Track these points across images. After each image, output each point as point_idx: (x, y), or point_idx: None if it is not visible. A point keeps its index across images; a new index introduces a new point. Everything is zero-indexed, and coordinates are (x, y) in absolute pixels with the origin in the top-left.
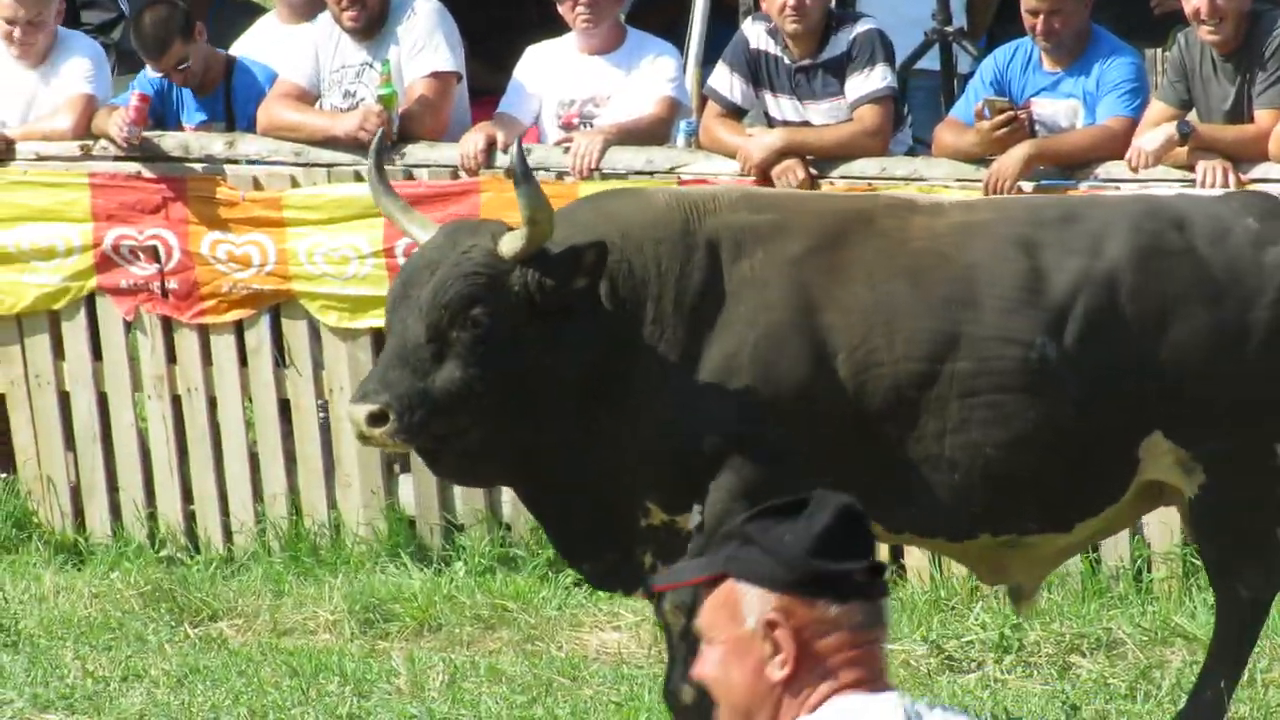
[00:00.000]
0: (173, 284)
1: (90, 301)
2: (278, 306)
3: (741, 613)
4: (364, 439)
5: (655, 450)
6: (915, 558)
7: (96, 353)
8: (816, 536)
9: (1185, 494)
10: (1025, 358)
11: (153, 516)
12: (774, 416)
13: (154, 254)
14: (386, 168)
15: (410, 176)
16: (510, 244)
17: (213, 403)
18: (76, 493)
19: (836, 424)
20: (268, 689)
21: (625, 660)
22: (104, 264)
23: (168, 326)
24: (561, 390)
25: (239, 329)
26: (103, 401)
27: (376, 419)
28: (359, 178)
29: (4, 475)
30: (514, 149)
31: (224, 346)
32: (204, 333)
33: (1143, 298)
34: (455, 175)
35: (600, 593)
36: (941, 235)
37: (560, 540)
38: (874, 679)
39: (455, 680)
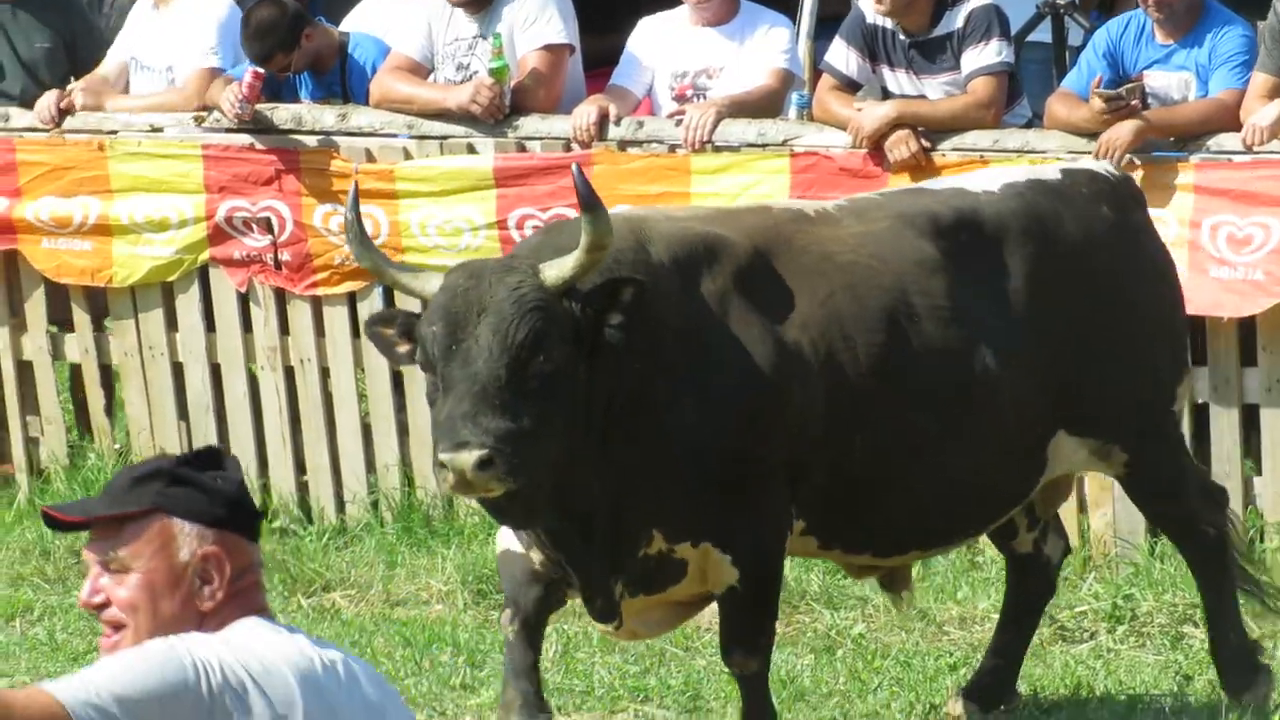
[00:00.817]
0: (285, 256)
1: (204, 273)
2: None
3: (175, 546)
4: (466, 487)
5: (665, 477)
6: None
7: (210, 324)
8: (238, 483)
9: (1113, 475)
10: (968, 368)
11: (266, 488)
12: (768, 436)
13: (267, 226)
14: (497, 140)
15: (522, 149)
16: (556, 272)
17: (325, 374)
18: None
19: (807, 441)
20: (381, 659)
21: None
22: (217, 236)
23: (281, 298)
24: (590, 420)
25: (352, 300)
26: (215, 373)
27: (484, 464)
28: (471, 150)
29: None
30: (576, 176)
31: (337, 318)
32: (317, 304)
33: (1044, 300)
34: (567, 148)
35: None
36: (857, 247)
37: (584, 577)
38: (265, 608)
39: (568, 651)
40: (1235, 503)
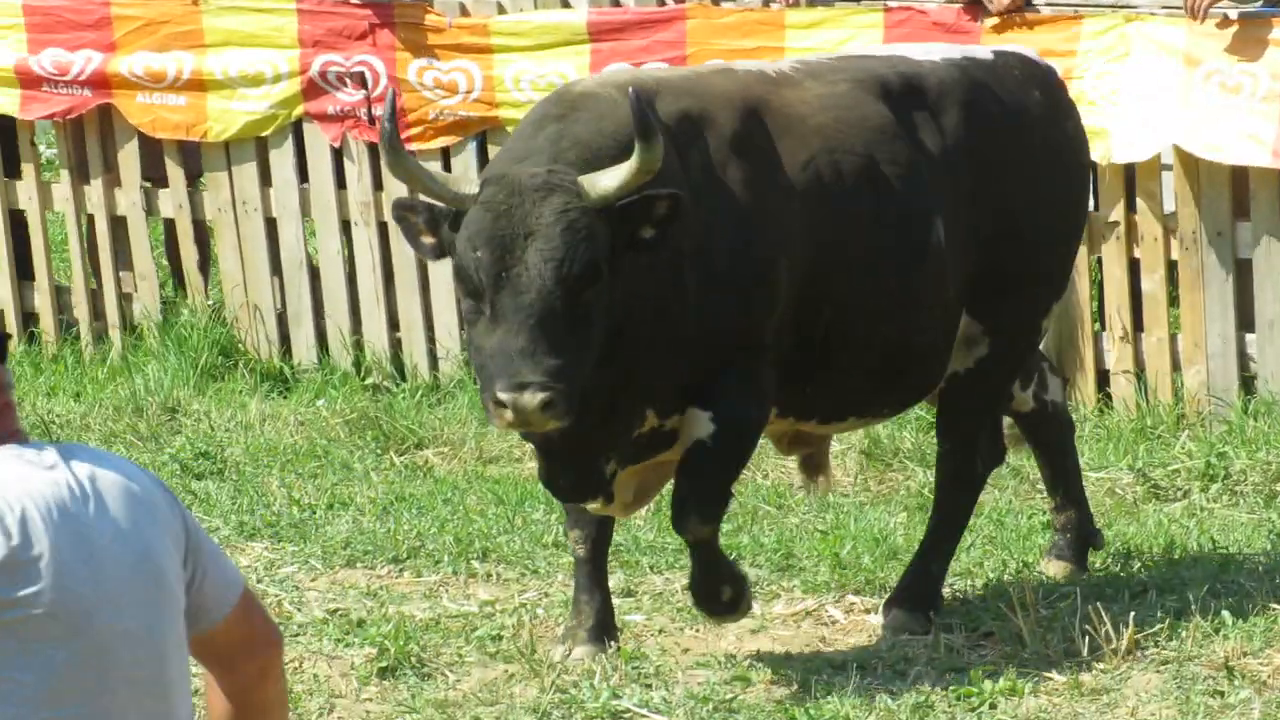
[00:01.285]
0: (379, 110)
1: (298, 129)
2: (484, 133)
3: None
4: (523, 425)
5: (665, 364)
6: (1121, 386)
7: (303, 179)
8: None
9: (956, 369)
10: (927, 234)
11: (359, 344)
12: (763, 312)
13: (361, 80)
14: None
15: (617, 3)
16: (600, 191)
17: None
18: (283, 321)
19: (787, 310)
20: (473, 516)
21: (830, 488)
22: (311, 90)
23: (375, 153)
24: (610, 328)
25: (446, 155)
26: (310, 228)
27: (547, 405)
28: (566, 4)
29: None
30: (633, 100)
31: None
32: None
33: (981, 173)
34: (661, 3)
35: None
36: (822, 109)
37: (556, 466)
38: (16, 431)
39: (661, 508)
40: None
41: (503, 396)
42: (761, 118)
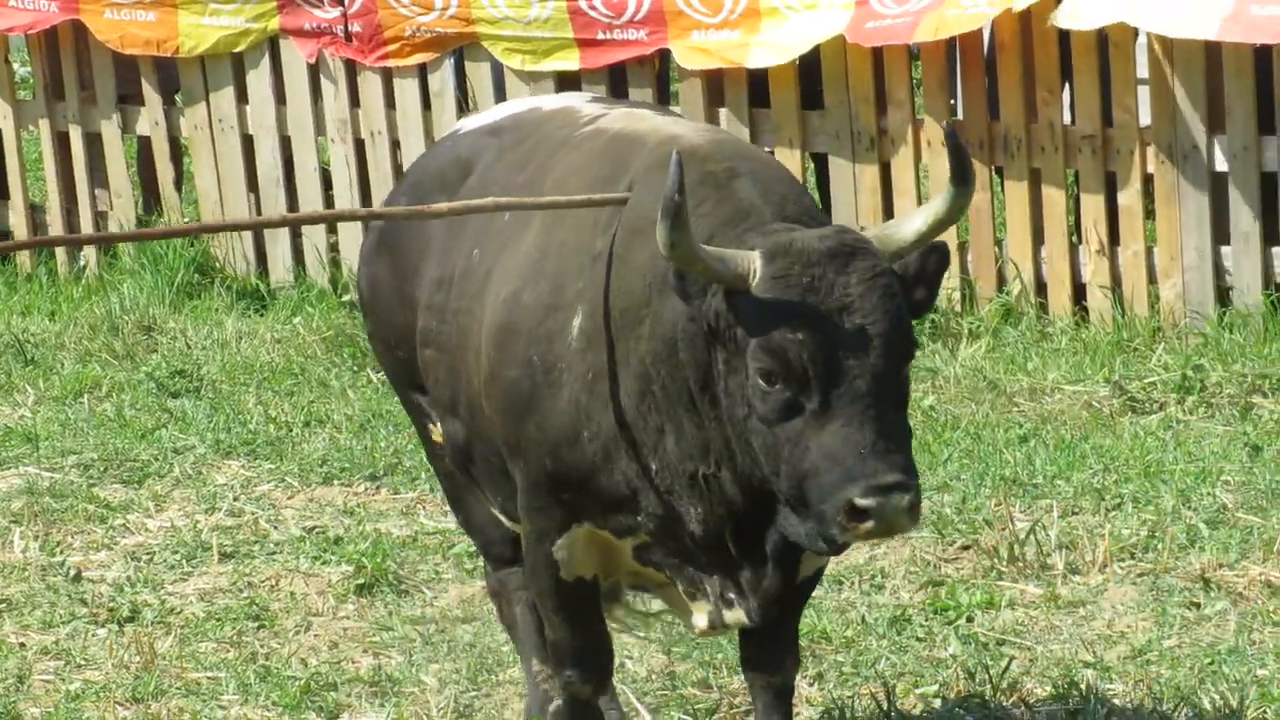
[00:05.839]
0: (356, 27)
1: (273, 46)
2: (461, 50)
3: None
4: (885, 534)
5: None
6: (1097, 299)
7: (280, 97)
8: None
9: None
10: None
11: (335, 262)
12: None
13: None
14: None
15: None
16: (900, 238)
17: (396, 146)
18: (259, 238)
19: None
20: None
21: None
22: (286, 6)
23: (351, 70)
24: None
25: (423, 72)
26: (285, 145)
27: (914, 508)
28: None
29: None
30: (948, 132)
31: (408, 90)
32: (387, 76)
33: None
34: None
35: None
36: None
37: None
38: None
39: None
40: (1255, 275)
41: (866, 503)
42: None
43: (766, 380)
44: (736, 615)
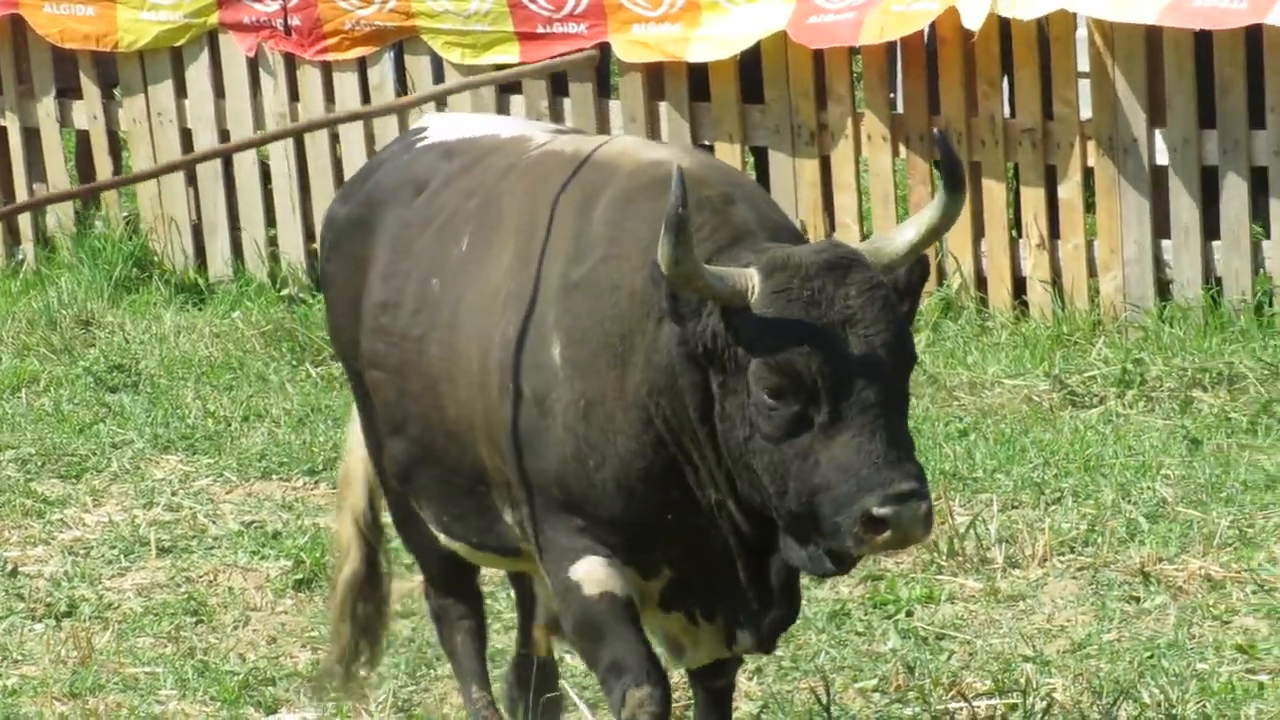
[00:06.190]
0: (295, 20)
1: (213, 39)
2: (401, 43)
3: None
4: (901, 544)
5: None
6: (1037, 293)
7: (219, 90)
8: None
9: None
10: None
11: (274, 255)
12: None
13: None
14: None
15: None
16: (892, 250)
17: (335, 140)
18: (198, 232)
19: None
20: None
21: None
22: (226, 1)
23: (290, 63)
24: None
25: (362, 66)
26: (224, 139)
27: (929, 515)
28: None
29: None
30: (940, 139)
31: (347, 83)
32: (327, 70)
33: None
34: None
35: None
36: None
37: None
38: None
39: None
40: (1244, 266)
41: (883, 512)
42: None
43: (774, 396)
44: (745, 643)
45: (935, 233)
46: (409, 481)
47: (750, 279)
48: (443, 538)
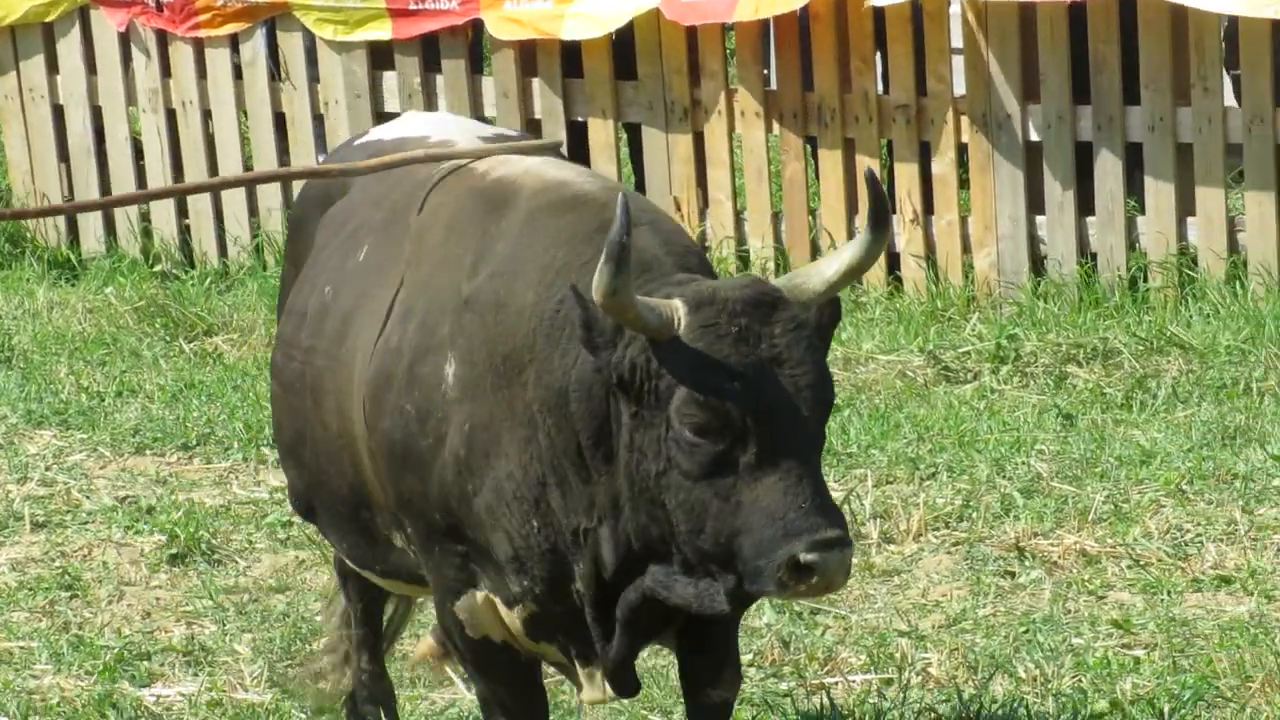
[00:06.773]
0: None
1: (84, 14)
2: (273, 20)
3: None
4: (825, 590)
5: None
6: (911, 269)
7: (91, 66)
8: None
9: None
10: None
11: (147, 232)
12: None
13: None
14: None
15: None
16: (811, 288)
17: (207, 116)
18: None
19: None
20: (263, 403)
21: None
22: None
23: (162, 40)
24: None
25: (234, 42)
26: (97, 115)
27: (850, 563)
28: None
29: None
30: (869, 177)
31: (219, 60)
32: (199, 46)
33: None
34: None
35: None
36: None
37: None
38: None
39: None
40: (1119, 242)
41: (810, 559)
42: None
43: (698, 433)
44: (597, 683)
45: (855, 272)
46: (309, 513)
47: (676, 311)
48: (354, 567)
